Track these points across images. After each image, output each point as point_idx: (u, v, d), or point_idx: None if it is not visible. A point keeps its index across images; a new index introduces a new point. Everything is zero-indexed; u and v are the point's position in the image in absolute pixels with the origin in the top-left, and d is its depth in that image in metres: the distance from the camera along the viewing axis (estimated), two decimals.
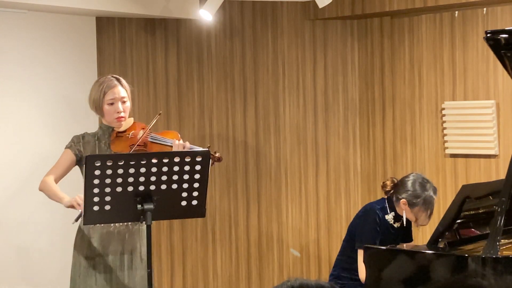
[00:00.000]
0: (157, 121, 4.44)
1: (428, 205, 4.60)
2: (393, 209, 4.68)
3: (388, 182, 4.73)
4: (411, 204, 4.60)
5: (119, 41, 5.97)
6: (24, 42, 5.40)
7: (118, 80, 4.38)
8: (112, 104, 4.32)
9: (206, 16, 5.68)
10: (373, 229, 4.59)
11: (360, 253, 4.54)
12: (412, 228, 4.87)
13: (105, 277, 4.30)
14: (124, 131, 4.37)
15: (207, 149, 4.19)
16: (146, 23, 6.04)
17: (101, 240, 4.30)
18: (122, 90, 4.36)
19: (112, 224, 4.28)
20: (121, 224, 4.31)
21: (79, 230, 4.36)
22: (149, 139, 4.30)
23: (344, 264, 4.77)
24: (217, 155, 4.38)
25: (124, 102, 4.35)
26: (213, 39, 6.24)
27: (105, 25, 5.90)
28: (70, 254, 4.40)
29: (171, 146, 4.28)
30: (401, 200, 4.62)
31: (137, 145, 4.24)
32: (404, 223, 4.70)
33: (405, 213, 4.63)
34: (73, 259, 4.37)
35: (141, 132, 4.34)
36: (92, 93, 4.39)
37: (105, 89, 4.32)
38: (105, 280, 4.29)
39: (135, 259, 4.35)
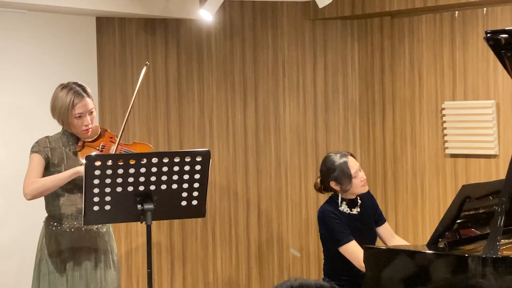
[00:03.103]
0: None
1: (345, 170, 4.61)
2: (342, 200, 4.69)
3: (317, 183, 4.77)
4: (337, 181, 4.63)
5: (119, 41, 5.97)
6: (24, 42, 5.40)
7: (84, 90, 4.24)
8: (80, 117, 4.20)
9: (206, 16, 5.68)
10: (335, 225, 4.59)
11: (344, 249, 4.56)
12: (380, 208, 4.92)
13: (76, 282, 4.25)
14: (93, 141, 4.26)
15: None
16: (146, 23, 6.04)
17: (70, 245, 4.25)
18: (90, 102, 4.23)
19: (83, 228, 4.24)
20: (92, 227, 4.27)
21: (46, 234, 4.28)
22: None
23: (329, 272, 4.77)
24: None
25: (91, 113, 4.24)
26: (213, 39, 6.24)
27: (105, 25, 5.90)
28: (30, 251, 4.32)
29: None
30: (331, 184, 4.65)
31: None
32: (359, 202, 4.72)
33: (341, 193, 4.65)
34: (37, 268, 4.27)
35: (113, 146, 4.21)
36: (57, 103, 4.22)
37: (74, 102, 4.17)
38: (77, 285, 4.25)
39: (106, 260, 4.32)
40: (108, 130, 4.37)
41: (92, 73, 5.77)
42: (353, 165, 4.65)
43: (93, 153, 4.09)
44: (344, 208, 4.68)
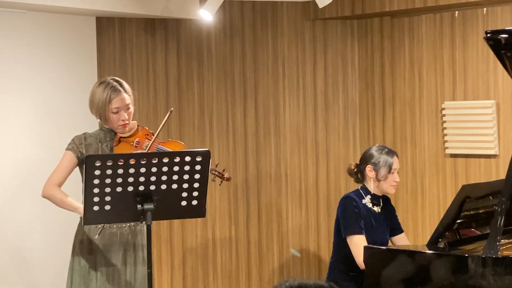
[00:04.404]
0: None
1: (389, 162, 4.75)
2: (368, 193, 4.77)
3: (352, 164, 4.90)
4: (375, 167, 4.74)
5: (119, 41, 5.97)
6: (24, 42, 5.40)
7: (121, 85, 4.29)
8: (117, 112, 4.26)
9: (206, 16, 5.68)
10: (353, 213, 4.66)
11: (350, 239, 4.60)
12: (399, 220, 4.97)
13: (106, 279, 4.29)
14: (128, 136, 4.33)
15: (215, 167, 4.26)
16: (146, 23, 6.04)
17: (102, 242, 4.28)
18: (126, 97, 4.28)
19: (114, 225, 4.28)
20: (124, 225, 4.31)
21: (78, 232, 4.33)
22: (156, 151, 4.27)
23: (340, 265, 4.77)
24: (226, 174, 4.41)
25: (128, 108, 4.29)
26: (213, 39, 6.24)
27: (105, 25, 5.90)
28: (67, 255, 4.38)
29: None
30: (367, 168, 4.76)
31: None
32: (381, 204, 4.79)
33: (373, 182, 4.75)
34: (71, 263, 4.33)
35: (147, 141, 4.30)
36: (94, 98, 4.29)
37: (110, 97, 4.24)
38: (107, 282, 4.28)
39: (137, 258, 4.34)
40: (146, 128, 4.42)
41: (92, 73, 5.77)
42: (396, 163, 4.79)
43: (136, 150, 4.19)
44: (367, 201, 4.75)
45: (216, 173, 4.46)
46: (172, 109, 4.43)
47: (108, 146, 4.32)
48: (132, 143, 4.31)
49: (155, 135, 4.28)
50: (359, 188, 4.82)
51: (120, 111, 4.26)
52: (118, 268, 4.29)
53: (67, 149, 4.30)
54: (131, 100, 4.32)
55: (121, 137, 4.32)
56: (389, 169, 4.73)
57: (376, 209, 4.77)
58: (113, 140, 4.33)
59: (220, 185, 4.57)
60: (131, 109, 4.31)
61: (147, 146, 4.25)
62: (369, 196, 4.76)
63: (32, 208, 5.32)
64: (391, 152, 4.80)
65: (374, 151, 4.80)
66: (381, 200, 4.82)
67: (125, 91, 4.29)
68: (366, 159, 4.81)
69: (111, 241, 4.29)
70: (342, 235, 4.66)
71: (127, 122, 4.29)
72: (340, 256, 4.75)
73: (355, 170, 4.85)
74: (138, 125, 4.39)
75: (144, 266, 4.34)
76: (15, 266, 5.35)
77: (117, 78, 4.35)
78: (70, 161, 4.26)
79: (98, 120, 4.39)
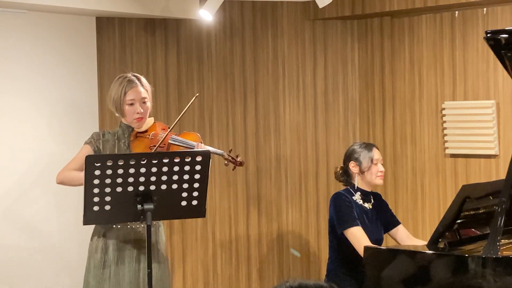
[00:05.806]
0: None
1: (369, 152, 4.80)
2: (357, 190, 4.79)
3: (337, 167, 4.93)
4: (357, 161, 4.79)
5: (119, 41, 5.97)
6: (24, 42, 5.40)
7: (138, 79, 4.35)
8: (132, 104, 4.29)
9: (206, 16, 5.68)
10: (345, 207, 4.69)
11: (348, 232, 4.61)
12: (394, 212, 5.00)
13: (121, 278, 4.29)
14: (145, 132, 4.36)
15: (228, 153, 4.28)
16: (146, 23, 6.04)
17: (117, 241, 4.29)
18: (142, 91, 4.32)
19: (128, 225, 4.29)
20: (138, 225, 4.31)
21: (95, 230, 4.36)
22: (170, 141, 4.30)
23: (337, 267, 4.77)
24: (239, 159, 4.44)
25: (144, 102, 4.32)
26: (213, 39, 6.24)
27: (105, 25, 5.90)
28: (83, 253, 4.40)
29: (193, 149, 4.28)
30: (350, 165, 4.81)
31: (158, 146, 4.23)
32: (372, 200, 4.81)
33: (358, 178, 4.78)
34: (87, 263, 4.36)
35: (162, 133, 4.33)
36: (112, 92, 4.35)
37: (126, 89, 4.29)
38: (121, 281, 4.29)
39: (152, 259, 4.34)
40: (162, 123, 4.47)
41: (92, 73, 5.77)
42: (376, 153, 4.83)
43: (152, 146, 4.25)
44: (357, 198, 4.76)
45: (230, 158, 4.48)
46: (197, 94, 4.51)
47: (126, 142, 4.36)
48: (147, 136, 4.34)
49: (171, 127, 4.31)
50: (348, 187, 4.85)
51: (135, 104, 4.30)
52: (132, 267, 4.30)
53: (85, 142, 4.36)
54: (148, 95, 4.37)
55: (137, 132, 4.35)
56: (371, 160, 4.78)
57: (367, 205, 4.79)
58: (130, 136, 4.36)
59: (233, 170, 4.58)
60: (148, 104, 4.35)
61: (162, 137, 4.27)
62: (358, 193, 4.78)
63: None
64: (369, 145, 4.86)
65: (353, 148, 4.87)
66: (371, 197, 4.83)
67: (142, 85, 4.34)
68: (347, 157, 4.86)
69: (125, 240, 4.29)
70: (338, 232, 4.66)
71: (142, 115, 4.32)
72: (337, 257, 4.74)
73: (340, 171, 4.88)
74: (155, 121, 4.43)
75: (158, 263, 4.36)
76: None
77: (136, 74, 4.41)
78: (87, 153, 4.26)
79: (117, 115, 4.42)
